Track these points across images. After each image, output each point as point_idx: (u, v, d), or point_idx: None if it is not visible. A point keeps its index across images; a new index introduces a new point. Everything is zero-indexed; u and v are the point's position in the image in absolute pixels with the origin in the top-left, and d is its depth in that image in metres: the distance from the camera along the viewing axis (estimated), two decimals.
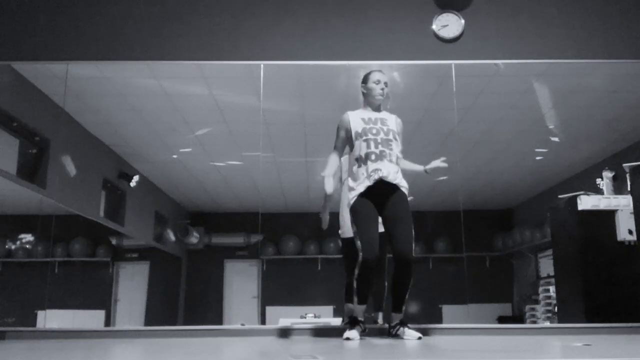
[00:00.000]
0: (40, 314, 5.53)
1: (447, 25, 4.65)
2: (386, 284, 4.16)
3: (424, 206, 7.58)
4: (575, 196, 5.10)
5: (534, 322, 7.25)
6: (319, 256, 8.98)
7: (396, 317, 3.29)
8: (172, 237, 8.87)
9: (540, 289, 7.28)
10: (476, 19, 4.66)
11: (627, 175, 4.61)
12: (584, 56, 4.65)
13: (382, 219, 3.31)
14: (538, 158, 7.07)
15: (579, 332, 3.66)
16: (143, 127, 6.31)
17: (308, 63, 4.69)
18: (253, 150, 6.14)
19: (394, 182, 3.23)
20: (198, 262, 9.24)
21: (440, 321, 8.17)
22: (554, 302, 6.36)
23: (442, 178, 5.85)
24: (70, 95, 5.04)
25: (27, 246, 6.79)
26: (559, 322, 5.51)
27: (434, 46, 4.65)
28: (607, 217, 4.96)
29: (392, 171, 3.23)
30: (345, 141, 3.40)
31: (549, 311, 6.92)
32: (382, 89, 3.37)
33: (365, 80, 3.42)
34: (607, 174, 5.49)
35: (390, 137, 3.29)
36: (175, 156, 7.17)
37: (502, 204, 8.93)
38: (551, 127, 6.26)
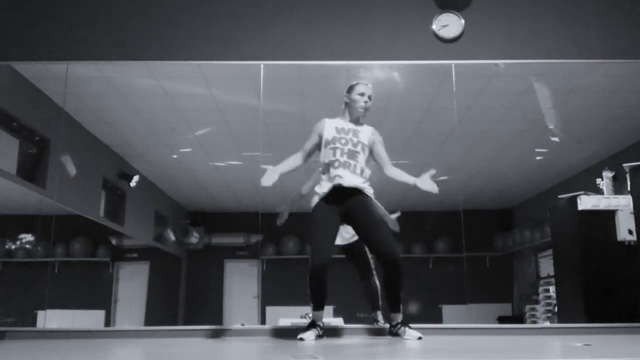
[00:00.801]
0: (40, 314, 5.53)
1: (447, 25, 4.64)
2: (377, 283, 4.14)
3: (424, 206, 7.57)
4: (575, 196, 5.10)
5: (534, 322, 7.25)
6: None
7: (396, 317, 3.29)
8: (172, 237, 8.86)
9: (540, 289, 7.28)
10: (476, 19, 4.66)
11: (627, 175, 4.61)
12: (584, 56, 4.64)
13: (353, 227, 3.33)
14: (538, 158, 7.07)
15: (579, 332, 3.65)
16: (143, 127, 6.30)
17: (308, 63, 4.69)
18: (253, 150, 6.13)
19: (356, 186, 3.22)
20: (198, 262, 9.24)
21: (440, 321, 8.16)
22: (554, 302, 6.36)
23: (442, 178, 5.83)
24: (70, 95, 5.04)
25: (27, 246, 6.79)
26: (559, 322, 5.51)
27: (434, 46, 4.65)
28: (607, 217, 4.97)
29: (354, 182, 3.23)
30: (315, 146, 3.38)
31: (549, 311, 6.92)
32: (365, 102, 3.35)
33: (349, 90, 3.40)
34: (607, 174, 5.49)
35: (358, 149, 3.28)
36: (175, 156, 7.17)
37: (502, 204, 8.92)
38: (551, 127, 6.25)
